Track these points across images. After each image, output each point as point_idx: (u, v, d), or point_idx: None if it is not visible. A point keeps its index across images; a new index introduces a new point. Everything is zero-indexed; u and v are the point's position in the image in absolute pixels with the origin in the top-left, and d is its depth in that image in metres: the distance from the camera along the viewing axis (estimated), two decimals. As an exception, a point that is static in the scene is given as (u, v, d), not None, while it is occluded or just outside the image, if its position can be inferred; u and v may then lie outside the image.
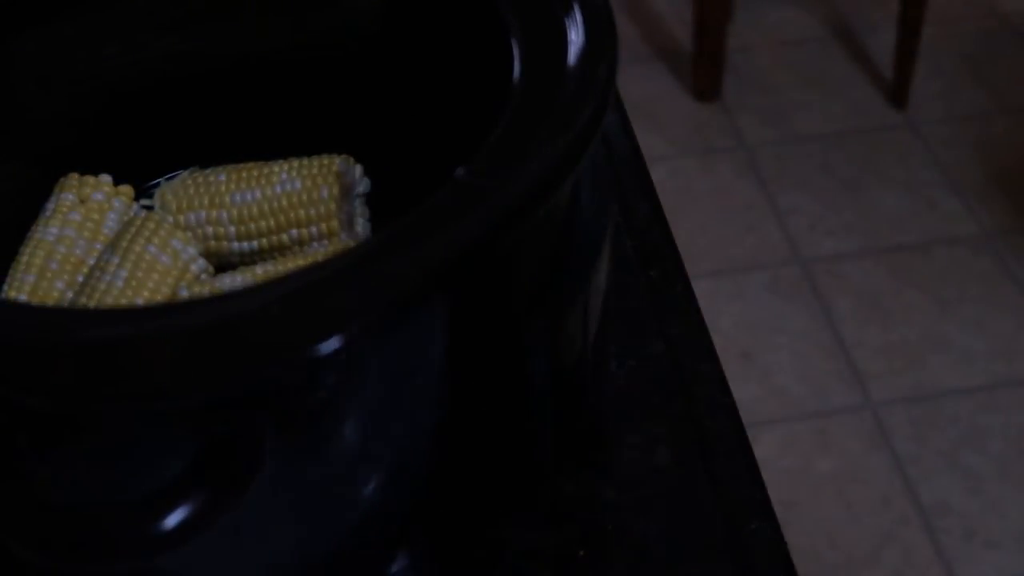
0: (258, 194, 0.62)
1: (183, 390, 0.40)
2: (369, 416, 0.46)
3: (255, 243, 0.62)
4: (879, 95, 2.04)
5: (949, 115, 2.01)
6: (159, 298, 0.58)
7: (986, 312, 1.70)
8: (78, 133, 0.63)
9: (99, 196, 0.61)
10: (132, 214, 0.62)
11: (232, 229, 0.62)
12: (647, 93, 2.07)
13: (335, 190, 0.61)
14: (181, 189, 0.62)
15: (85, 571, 0.48)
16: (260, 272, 0.59)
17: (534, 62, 0.49)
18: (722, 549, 0.55)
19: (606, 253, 0.53)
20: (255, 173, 0.62)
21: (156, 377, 0.40)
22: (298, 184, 0.61)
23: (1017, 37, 2.16)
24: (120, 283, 0.57)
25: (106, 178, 0.62)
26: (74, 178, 0.61)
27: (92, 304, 0.56)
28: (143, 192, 0.64)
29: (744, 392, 1.59)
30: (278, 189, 0.61)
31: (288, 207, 0.61)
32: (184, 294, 0.59)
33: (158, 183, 0.65)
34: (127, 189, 0.62)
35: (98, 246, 0.60)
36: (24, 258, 0.59)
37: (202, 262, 0.61)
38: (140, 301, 0.57)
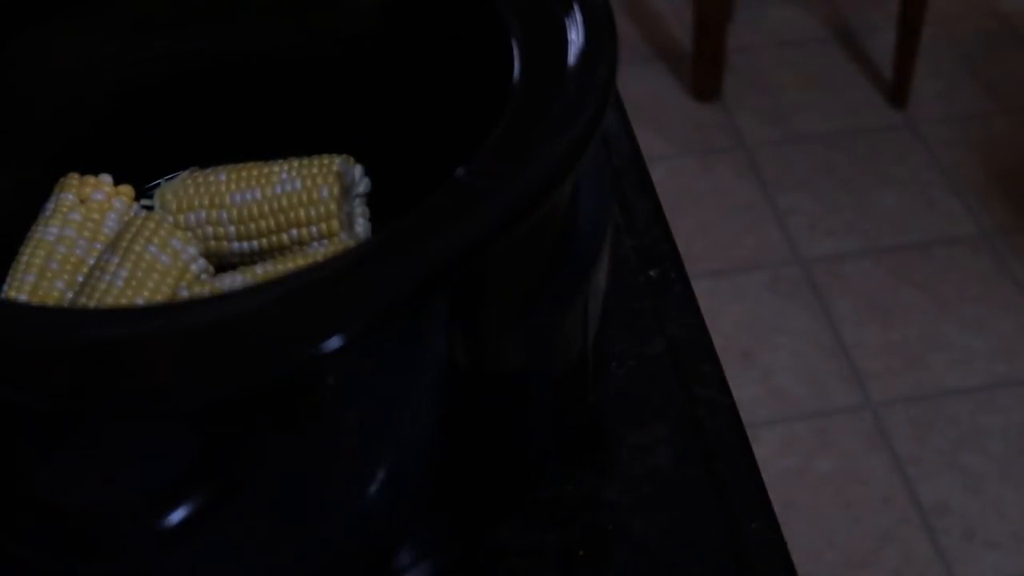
0: (258, 194, 0.62)
1: (183, 390, 0.40)
2: (369, 416, 0.46)
3: (255, 243, 0.62)
4: (879, 95, 2.04)
5: (949, 115, 2.01)
6: (159, 298, 0.57)
7: (986, 312, 1.70)
8: (78, 133, 0.63)
9: (99, 196, 0.61)
10: (132, 214, 0.62)
11: (232, 229, 0.62)
12: (647, 93, 2.07)
13: (335, 190, 0.61)
14: (181, 189, 0.62)
15: (85, 571, 0.48)
16: (260, 272, 0.59)
17: (534, 62, 0.49)
18: (722, 549, 0.55)
19: (606, 253, 0.53)
20: (255, 173, 0.62)
21: (156, 377, 0.40)
22: (298, 184, 0.61)
23: (1017, 37, 2.16)
24: (120, 283, 0.57)
25: (106, 178, 0.62)
26: (74, 178, 0.61)
27: (92, 304, 0.56)
28: (143, 192, 0.64)
29: (744, 392, 1.59)
30: (278, 189, 0.61)
31: (288, 207, 0.61)
32: (184, 294, 0.59)
33: (158, 183, 0.65)
34: (127, 189, 0.62)
35: (98, 246, 0.60)
36: (24, 258, 0.59)
37: (202, 262, 0.61)
38: (140, 301, 0.57)
